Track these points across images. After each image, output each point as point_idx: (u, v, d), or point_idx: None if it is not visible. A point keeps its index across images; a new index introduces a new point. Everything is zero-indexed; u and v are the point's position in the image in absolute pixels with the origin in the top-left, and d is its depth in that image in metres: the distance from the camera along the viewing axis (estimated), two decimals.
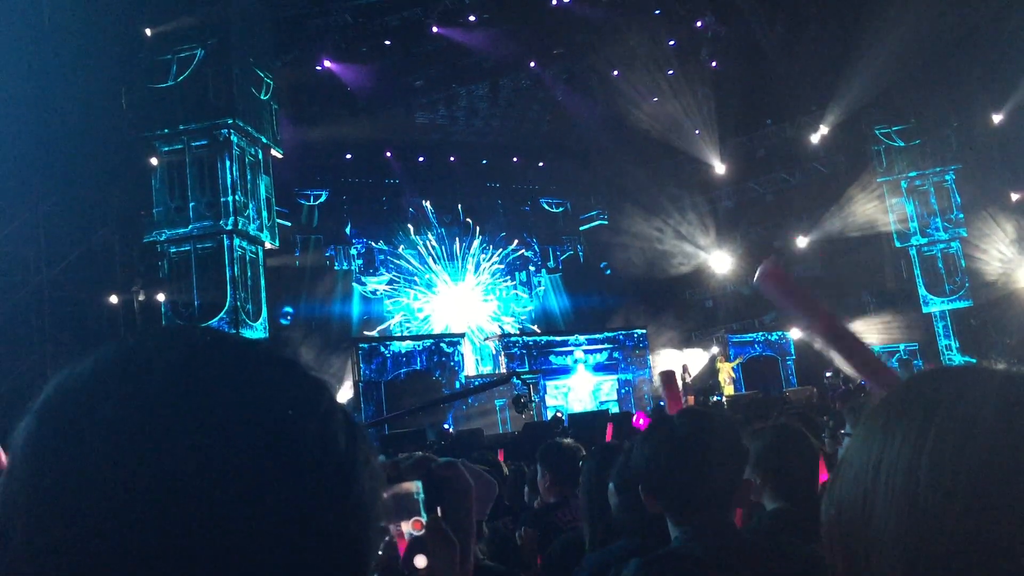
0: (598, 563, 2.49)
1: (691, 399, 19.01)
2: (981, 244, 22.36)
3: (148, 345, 0.65)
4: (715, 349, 23.35)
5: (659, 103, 24.31)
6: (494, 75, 24.07)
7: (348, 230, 26.32)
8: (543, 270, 29.35)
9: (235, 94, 16.64)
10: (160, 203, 16.69)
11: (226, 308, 16.32)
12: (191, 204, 16.62)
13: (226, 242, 16.57)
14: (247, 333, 15.71)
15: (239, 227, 16.61)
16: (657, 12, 22.66)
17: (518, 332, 25.78)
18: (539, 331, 26.31)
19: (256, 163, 17.62)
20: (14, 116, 13.88)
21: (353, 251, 26.35)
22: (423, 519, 0.99)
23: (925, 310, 23.32)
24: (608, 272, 29.13)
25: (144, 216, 16.63)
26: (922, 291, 23.31)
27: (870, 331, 23.66)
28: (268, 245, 17.95)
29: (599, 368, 22.62)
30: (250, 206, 17.12)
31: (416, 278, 26.95)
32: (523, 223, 29.41)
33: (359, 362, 19.88)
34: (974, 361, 19.22)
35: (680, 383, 20.20)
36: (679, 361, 21.86)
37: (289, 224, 22.53)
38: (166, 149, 16.79)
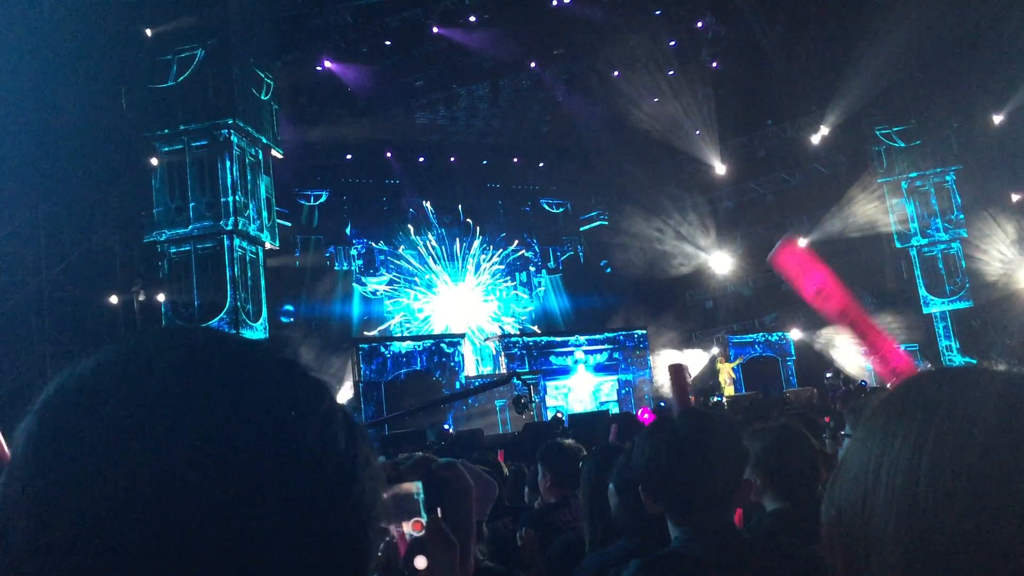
0: (598, 563, 2.49)
1: (691, 399, 18.99)
2: (981, 245, 22.36)
3: (148, 346, 0.65)
4: (715, 350, 23.36)
5: (659, 103, 24.31)
6: (494, 75, 24.07)
7: (348, 230, 26.32)
8: (543, 270, 29.35)
9: (235, 94, 16.65)
10: (160, 203, 16.69)
11: (226, 308, 16.33)
12: (191, 204, 16.62)
13: (226, 242, 16.57)
14: (247, 333, 15.71)
15: (239, 227, 16.62)
16: (657, 12, 22.66)
17: (518, 332, 25.78)
18: (539, 331, 26.31)
19: (256, 163, 17.62)
20: (14, 116, 13.89)
21: (353, 251, 26.35)
22: (423, 520, 0.98)
23: (925, 311, 23.32)
24: (608, 272, 29.13)
25: (144, 216, 16.64)
26: (922, 292, 23.31)
27: None
28: (268, 245, 17.96)
29: (599, 369, 22.62)
30: (250, 206, 17.12)
31: (416, 278, 26.95)
32: (523, 223, 29.42)
33: (359, 362, 19.89)
34: (974, 362, 19.23)
35: None
36: (679, 362, 21.83)
37: (289, 224, 22.53)
38: (166, 149, 16.79)
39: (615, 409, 20.52)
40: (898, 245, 23.76)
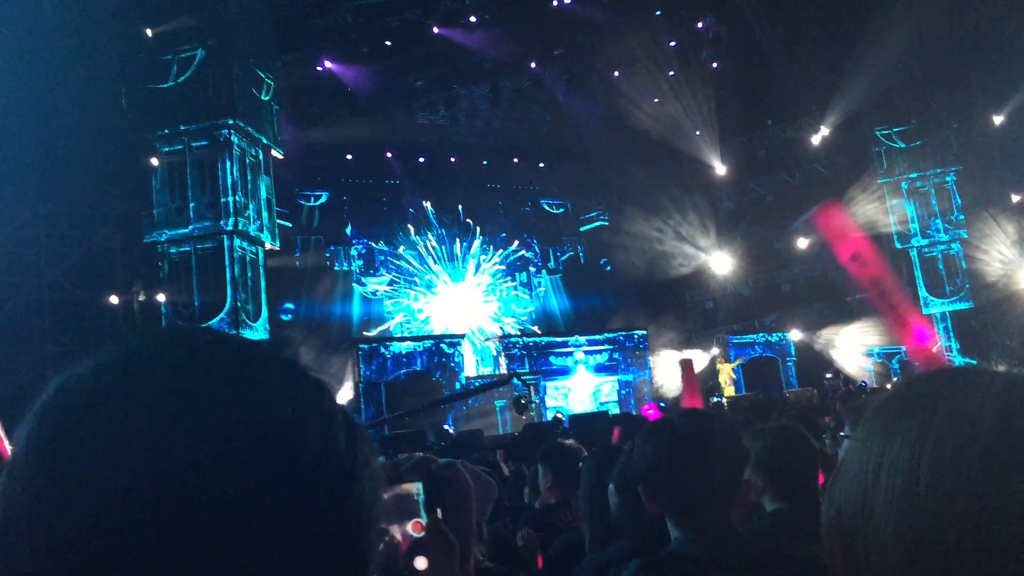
0: (598, 564, 2.49)
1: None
2: (982, 245, 22.35)
3: (148, 346, 0.65)
4: (715, 350, 23.36)
5: (660, 104, 24.32)
6: (495, 76, 24.07)
7: (348, 231, 26.33)
8: (543, 271, 29.36)
9: (236, 95, 16.65)
10: (160, 204, 16.70)
11: (226, 308, 16.33)
12: (191, 205, 16.63)
13: (226, 243, 16.58)
14: (247, 334, 15.71)
15: (239, 228, 16.62)
16: (658, 13, 22.68)
17: (518, 333, 25.78)
18: (539, 332, 26.31)
19: (256, 164, 17.63)
20: (15, 117, 13.90)
21: (353, 252, 26.36)
22: (423, 520, 0.98)
23: (926, 311, 23.30)
24: (608, 272, 29.14)
25: (145, 217, 16.64)
26: (923, 292, 23.31)
27: (870, 333, 23.67)
28: (268, 246, 17.96)
29: (599, 369, 22.63)
30: (250, 207, 17.13)
31: (416, 279, 26.96)
32: (523, 224, 29.43)
33: (359, 363, 19.89)
34: (974, 363, 19.20)
35: (681, 384, 20.23)
36: (679, 363, 21.83)
37: (289, 225, 22.53)
38: (167, 150, 16.80)
39: (615, 409, 20.52)
40: (898, 246, 23.76)
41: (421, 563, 0.96)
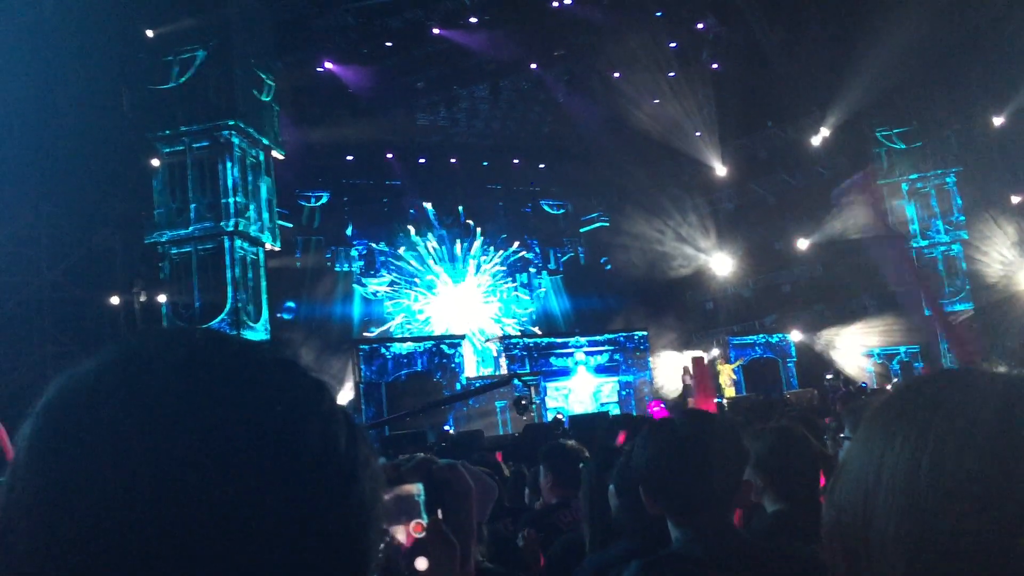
0: (598, 565, 2.49)
1: (692, 401, 19.01)
2: (982, 247, 22.34)
3: (149, 346, 0.65)
4: (716, 351, 23.34)
5: (660, 105, 24.31)
6: (495, 77, 24.08)
7: (349, 231, 26.34)
8: (544, 272, 29.36)
9: (236, 95, 16.66)
10: (161, 204, 16.71)
11: (227, 309, 16.34)
12: (192, 205, 16.64)
13: (227, 243, 16.58)
14: (248, 334, 15.72)
15: (240, 228, 16.63)
16: (658, 14, 22.67)
17: (519, 334, 25.78)
18: (540, 333, 26.31)
19: (257, 164, 17.63)
20: (16, 117, 13.90)
21: (354, 252, 26.36)
22: (424, 521, 0.98)
23: (926, 312, 23.29)
24: (609, 273, 29.14)
25: (145, 217, 16.65)
26: (923, 293, 23.28)
27: (871, 333, 23.67)
28: (269, 246, 17.97)
29: (600, 370, 22.62)
30: (251, 207, 17.13)
31: (417, 279, 26.96)
32: (524, 224, 29.43)
33: (360, 363, 19.89)
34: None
35: (681, 385, 20.26)
36: (679, 363, 21.84)
37: (290, 225, 22.54)
38: (167, 150, 16.81)
39: (615, 410, 20.52)
40: None
41: (422, 564, 0.96)
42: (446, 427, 17.58)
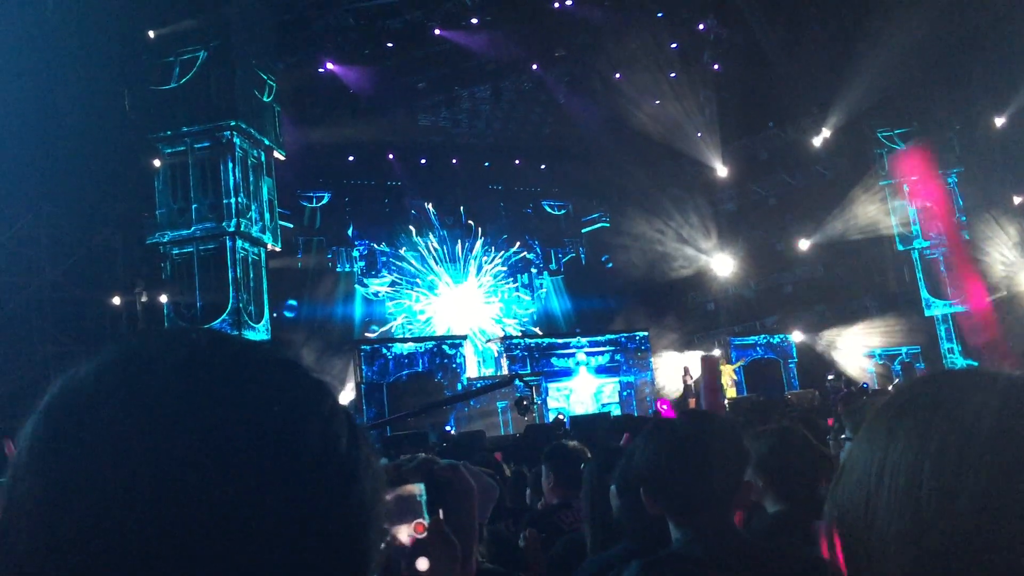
0: (599, 565, 2.49)
1: (692, 402, 19.02)
2: (983, 247, 22.33)
3: (151, 347, 0.65)
4: (717, 352, 23.34)
5: (661, 105, 24.30)
6: (496, 77, 24.08)
7: (350, 232, 26.34)
8: (545, 272, 29.35)
9: (237, 96, 16.67)
10: (163, 205, 16.71)
11: (228, 310, 16.34)
12: (194, 206, 16.64)
13: (228, 244, 16.58)
14: (249, 335, 15.72)
15: (241, 229, 16.63)
16: (659, 15, 22.67)
17: (520, 334, 25.77)
18: (541, 333, 26.31)
19: (258, 165, 17.64)
20: (17, 118, 13.90)
21: (355, 253, 26.36)
22: (425, 522, 0.98)
23: (927, 313, 23.29)
24: (610, 274, 29.13)
25: (147, 217, 16.66)
26: (924, 294, 23.28)
27: (872, 334, 23.66)
28: (270, 247, 17.97)
29: (601, 370, 22.62)
30: (252, 208, 17.14)
31: (418, 280, 26.96)
32: (525, 225, 29.42)
33: (361, 364, 19.89)
34: (976, 365, 19.19)
35: (682, 386, 20.26)
36: (680, 364, 21.85)
37: (291, 226, 22.55)
38: (169, 151, 16.81)
39: (616, 411, 20.51)
40: (900, 247, 23.73)
41: (423, 564, 0.96)
42: (447, 427, 17.59)
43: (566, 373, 22.28)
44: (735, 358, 22.71)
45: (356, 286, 25.99)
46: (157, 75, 16.51)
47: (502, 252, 28.45)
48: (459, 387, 20.48)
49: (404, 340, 22.77)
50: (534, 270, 29.13)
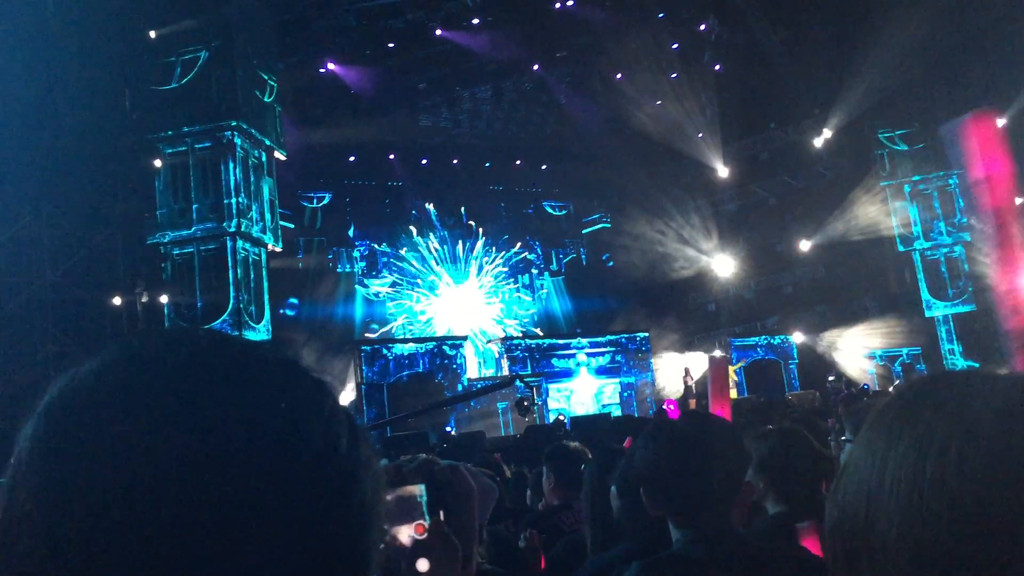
0: (600, 566, 2.49)
1: (692, 403, 19.00)
2: (985, 248, 22.30)
3: (151, 347, 0.65)
4: (717, 352, 23.32)
5: (662, 106, 24.30)
6: (497, 78, 24.09)
7: (351, 232, 26.34)
8: (546, 273, 29.35)
9: (239, 96, 16.66)
10: (163, 205, 16.71)
11: (229, 310, 16.34)
12: (194, 206, 16.63)
13: (229, 244, 16.58)
14: (250, 335, 15.73)
15: (242, 229, 16.62)
16: (660, 15, 22.68)
17: (520, 335, 25.78)
18: (541, 334, 26.31)
19: (259, 165, 17.63)
20: (18, 117, 13.91)
21: (356, 253, 26.36)
22: (426, 522, 0.98)
23: (928, 314, 23.28)
24: (610, 274, 29.13)
25: (147, 218, 16.65)
26: (925, 295, 23.28)
27: (873, 335, 23.65)
28: (271, 247, 17.96)
29: (601, 371, 22.61)
30: (253, 208, 17.13)
31: (419, 280, 26.96)
32: (526, 226, 29.42)
33: (361, 364, 19.89)
34: (977, 365, 19.18)
35: (683, 387, 20.25)
36: (681, 365, 21.85)
37: (292, 226, 22.55)
38: (170, 151, 16.81)
39: (617, 412, 20.51)
40: (901, 248, 23.73)
41: (423, 565, 0.96)
42: (448, 428, 17.59)
43: (567, 374, 22.28)
44: (735, 359, 22.70)
45: (357, 286, 25.99)
46: (158, 75, 16.51)
47: (503, 253, 28.45)
48: (460, 388, 20.48)
49: (405, 341, 22.77)
50: (535, 271, 29.13)
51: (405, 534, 0.98)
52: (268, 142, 17.76)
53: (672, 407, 17.69)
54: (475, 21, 21.34)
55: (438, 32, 21.38)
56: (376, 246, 26.61)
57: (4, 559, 0.58)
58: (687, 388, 20.23)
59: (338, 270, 25.81)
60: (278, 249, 18.43)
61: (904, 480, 0.74)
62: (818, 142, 24.87)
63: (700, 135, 25.17)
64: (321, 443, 0.64)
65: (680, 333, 25.40)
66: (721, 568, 1.91)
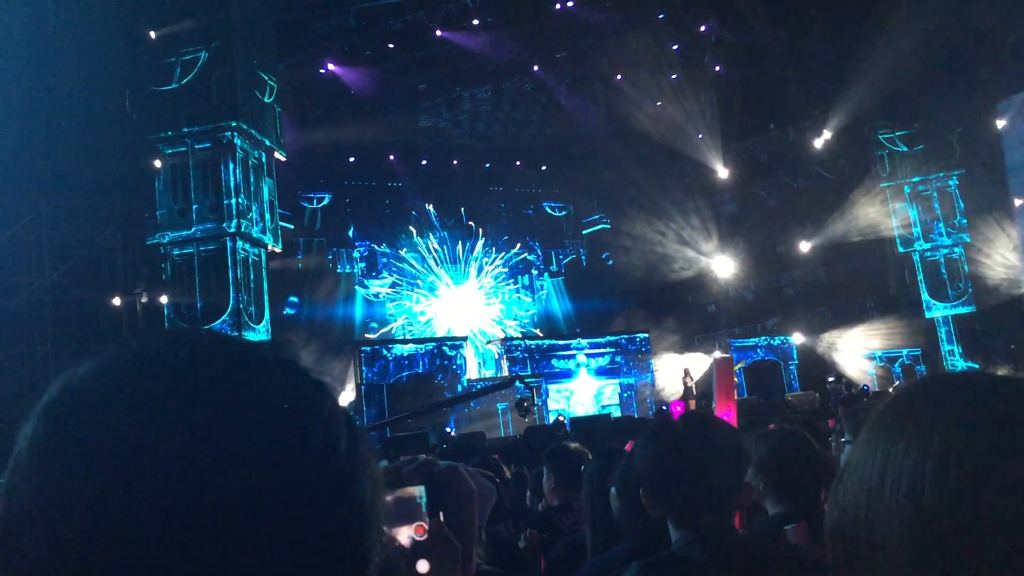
0: (600, 567, 2.49)
1: (692, 403, 19.01)
2: (984, 249, 22.33)
3: (151, 347, 0.65)
4: (717, 353, 23.31)
5: (662, 107, 24.32)
6: (497, 79, 24.09)
7: (351, 233, 26.33)
8: (545, 273, 29.34)
9: (239, 97, 16.65)
10: (163, 205, 16.70)
11: (229, 310, 16.33)
12: (194, 207, 16.63)
13: (229, 244, 16.57)
14: (249, 335, 15.73)
15: (242, 230, 16.62)
16: (660, 16, 22.69)
17: (520, 335, 25.77)
18: (541, 335, 26.31)
19: (259, 166, 17.63)
20: (18, 118, 13.91)
21: (356, 254, 26.35)
22: (425, 524, 0.98)
23: (928, 315, 23.29)
24: (610, 275, 29.12)
25: (147, 218, 16.65)
26: (925, 296, 23.29)
27: (873, 336, 23.66)
28: (271, 248, 17.96)
29: (601, 372, 22.61)
30: (253, 209, 17.13)
31: (419, 281, 26.95)
32: (526, 226, 29.41)
33: (361, 365, 19.89)
34: (977, 367, 19.19)
35: (682, 387, 20.26)
36: (681, 366, 21.85)
37: (292, 227, 22.54)
38: (169, 151, 16.81)
39: (617, 413, 20.51)
40: (901, 249, 23.74)
41: (423, 566, 0.96)
42: (448, 429, 17.58)
43: (566, 375, 22.28)
44: (735, 360, 22.70)
45: (356, 287, 25.98)
46: (158, 75, 16.51)
47: (503, 253, 28.45)
48: (459, 388, 20.47)
49: (404, 341, 22.77)
50: (535, 271, 29.12)
51: (405, 535, 0.98)
52: (268, 142, 17.76)
53: (679, 408, 17.71)
54: (475, 22, 21.35)
55: (438, 33, 21.39)
56: (376, 247, 26.60)
57: (4, 559, 0.58)
58: (687, 389, 20.23)
59: (338, 271, 25.80)
60: (278, 250, 18.42)
61: (904, 480, 0.74)
62: (818, 143, 24.88)
63: (700, 136, 25.18)
64: (321, 443, 0.64)
65: (680, 334, 25.40)
66: (720, 568, 1.90)
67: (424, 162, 27.04)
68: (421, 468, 1.05)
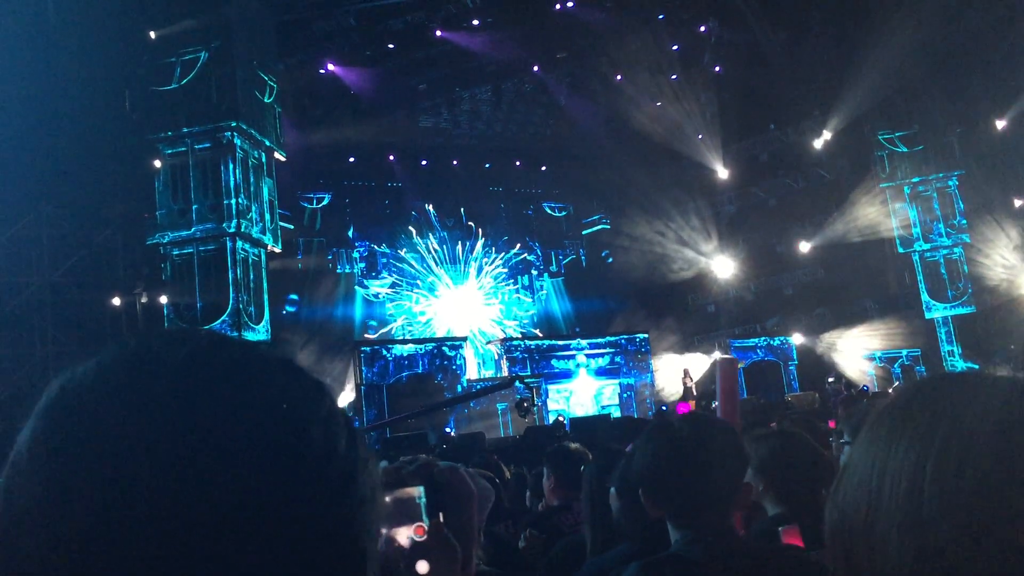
0: (599, 567, 2.49)
1: (692, 404, 19.01)
2: (984, 250, 22.34)
3: (151, 347, 0.65)
4: (717, 354, 23.30)
5: (662, 107, 24.31)
6: (497, 79, 24.09)
7: (350, 233, 26.32)
8: (545, 274, 29.34)
9: (238, 97, 16.65)
10: (163, 205, 16.70)
11: (228, 310, 16.33)
12: (194, 207, 16.63)
13: (229, 245, 16.57)
14: (249, 335, 15.73)
15: (242, 230, 16.62)
16: (660, 16, 22.69)
17: (520, 336, 25.77)
18: (541, 335, 26.30)
19: (259, 166, 17.63)
20: (18, 118, 13.91)
21: (355, 254, 26.34)
22: (425, 524, 0.98)
23: (928, 316, 23.29)
24: (610, 276, 29.10)
25: (147, 218, 16.65)
26: (925, 297, 23.29)
27: (872, 336, 23.66)
28: (270, 248, 17.96)
29: (601, 372, 22.60)
30: (253, 209, 17.13)
31: (418, 281, 26.94)
32: (525, 227, 29.41)
33: (361, 365, 19.88)
34: (977, 367, 19.15)
35: (682, 388, 20.26)
36: (681, 366, 21.85)
37: (291, 227, 22.52)
38: (169, 151, 16.80)
39: (616, 413, 20.51)
40: (900, 250, 23.74)
41: (423, 567, 0.96)
42: (447, 429, 17.58)
43: (566, 375, 22.28)
44: None
45: (356, 287, 25.98)
46: (158, 75, 16.51)
47: (502, 254, 28.45)
48: (459, 389, 20.46)
49: (404, 342, 22.76)
50: (534, 272, 29.12)
51: (404, 536, 0.98)
52: (268, 143, 17.76)
53: (685, 411, 17.71)
54: (475, 22, 21.34)
55: (438, 33, 21.38)
56: (376, 247, 26.59)
57: (4, 559, 0.58)
58: (686, 389, 20.23)
59: (338, 271, 25.79)
60: (278, 250, 18.42)
61: (904, 481, 0.74)
62: (818, 143, 24.88)
63: (700, 136, 25.17)
64: (320, 444, 0.64)
65: (680, 334, 25.39)
66: (720, 569, 1.90)
67: (424, 162, 27.04)
68: (421, 469, 1.05)
